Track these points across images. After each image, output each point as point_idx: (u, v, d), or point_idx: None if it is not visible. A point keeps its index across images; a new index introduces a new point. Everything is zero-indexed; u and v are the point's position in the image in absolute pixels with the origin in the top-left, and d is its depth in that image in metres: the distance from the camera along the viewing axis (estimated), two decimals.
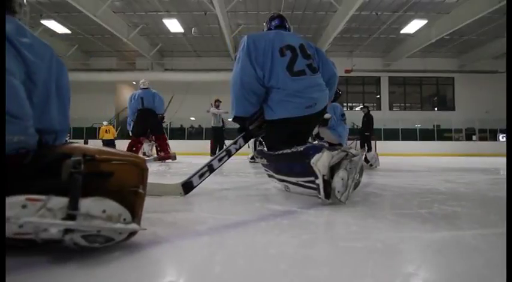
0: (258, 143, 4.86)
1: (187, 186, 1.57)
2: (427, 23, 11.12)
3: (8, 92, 0.74)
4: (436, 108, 16.03)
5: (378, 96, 15.93)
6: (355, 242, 0.81)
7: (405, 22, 11.32)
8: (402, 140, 13.85)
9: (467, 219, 1.13)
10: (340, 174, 1.31)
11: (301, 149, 1.47)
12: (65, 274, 0.58)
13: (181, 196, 1.53)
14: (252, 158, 5.40)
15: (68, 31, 12.31)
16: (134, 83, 16.08)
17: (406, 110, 15.83)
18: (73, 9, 9.34)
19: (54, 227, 0.59)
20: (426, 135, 14.26)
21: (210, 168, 1.67)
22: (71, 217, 0.62)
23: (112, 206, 0.68)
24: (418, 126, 14.64)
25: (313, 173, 1.33)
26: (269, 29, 2.08)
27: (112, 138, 10.84)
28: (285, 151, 1.59)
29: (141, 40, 13.20)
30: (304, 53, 1.80)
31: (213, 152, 7.23)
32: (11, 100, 0.74)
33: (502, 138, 13.91)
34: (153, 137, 5.63)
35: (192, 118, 15.30)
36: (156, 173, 3.19)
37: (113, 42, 13.68)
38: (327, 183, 1.28)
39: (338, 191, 1.30)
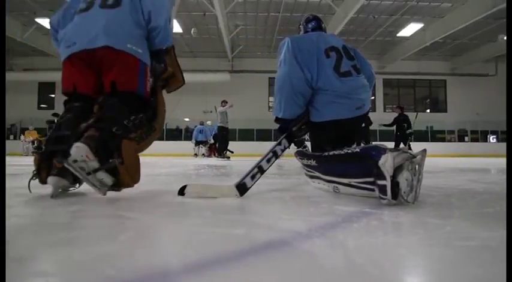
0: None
1: (242, 188, 1.56)
2: (422, 26, 11.38)
3: None
4: (428, 110, 16.39)
5: (373, 97, 16.16)
6: (466, 242, 0.82)
7: (401, 25, 11.56)
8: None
9: None
10: (405, 175, 1.32)
11: (358, 150, 1.48)
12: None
13: (237, 197, 1.52)
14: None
15: None
16: None
17: None
18: None
19: None
20: (420, 136, 14.54)
21: (260, 170, 1.66)
22: None
23: None
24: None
25: (373, 174, 1.34)
26: (305, 31, 2.09)
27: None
28: (336, 152, 1.59)
29: None
30: (348, 54, 1.81)
31: (220, 153, 7.18)
32: None
33: (492, 139, 14.36)
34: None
35: (187, 119, 15.16)
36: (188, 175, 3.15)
37: None
38: (395, 184, 1.29)
39: (404, 192, 1.31)
